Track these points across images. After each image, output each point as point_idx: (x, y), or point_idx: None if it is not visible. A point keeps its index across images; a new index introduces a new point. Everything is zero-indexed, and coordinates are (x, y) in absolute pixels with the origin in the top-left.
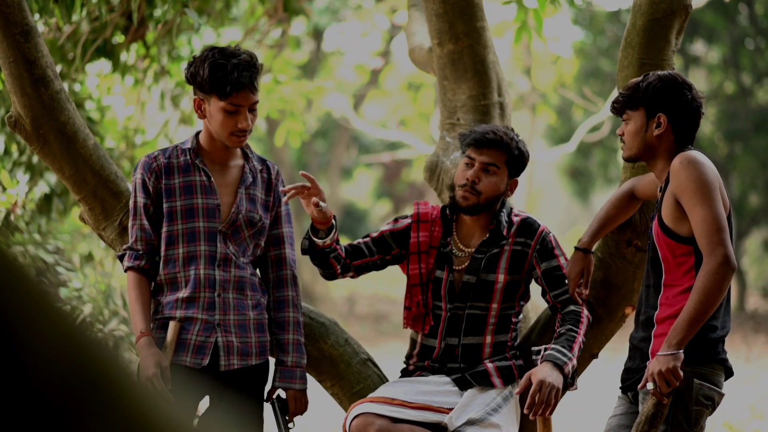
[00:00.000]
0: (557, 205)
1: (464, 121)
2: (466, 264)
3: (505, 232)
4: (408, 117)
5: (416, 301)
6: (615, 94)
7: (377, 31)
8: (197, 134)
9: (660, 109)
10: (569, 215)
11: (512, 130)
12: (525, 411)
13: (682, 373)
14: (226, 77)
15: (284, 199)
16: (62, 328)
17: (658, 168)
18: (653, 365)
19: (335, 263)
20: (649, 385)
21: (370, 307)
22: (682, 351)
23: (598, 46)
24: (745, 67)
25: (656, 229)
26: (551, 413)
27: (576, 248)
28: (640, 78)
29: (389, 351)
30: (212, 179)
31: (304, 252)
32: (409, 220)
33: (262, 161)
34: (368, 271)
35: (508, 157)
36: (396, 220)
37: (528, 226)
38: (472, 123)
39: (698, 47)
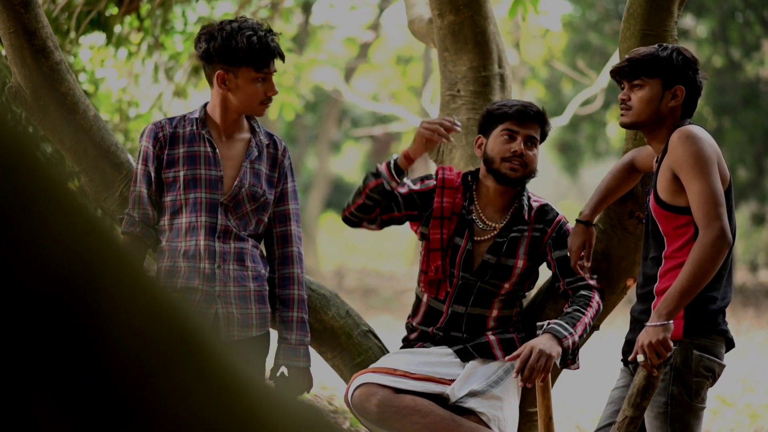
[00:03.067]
0: (546, 179)
1: (465, 93)
2: (487, 238)
3: (526, 216)
4: (397, 91)
5: (435, 266)
6: (610, 65)
7: (366, 5)
8: (205, 105)
9: (679, 82)
10: (558, 189)
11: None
12: (514, 376)
13: (672, 344)
14: (264, 47)
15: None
16: (143, 288)
17: (658, 138)
18: (642, 337)
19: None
20: (640, 357)
21: (359, 281)
22: (671, 322)
23: (587, 20)
24: (734, 40)
25: (653, 203)
26: (543, 380)
27: (577, 221)
28: (652, 47)
29: (379, 325)
30: (217, 150)
31: (372, 191)
32: (434, 182)
33: (270, 136)
34: (391, 224)
35: (542, 131)
36: (422, 180)
37: (545, 213)
38: (472, 95)
39: (687, 21)
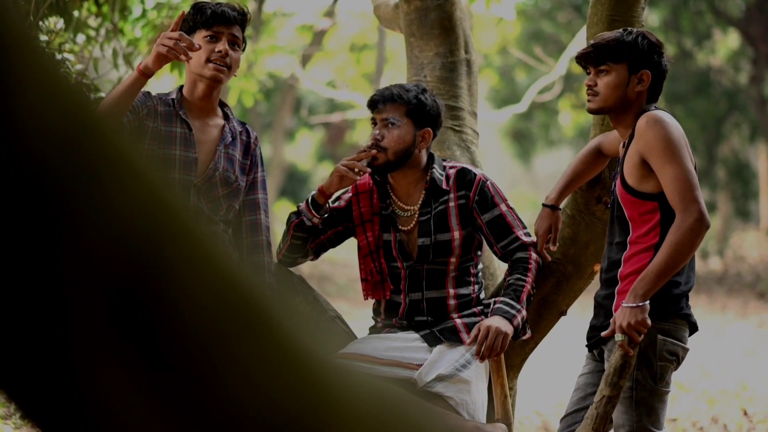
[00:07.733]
0: (498, 167)
1: (431, 78)
2: (413, 224)
3: (444, 185)
4: (352, 78)
5: (369, 269)
6: (566, 53)
7: None
8: (181, 88)
9: (644, 66)
10: (511, 177)
11: (417, 85)
12: (475, 356)
13: (649, 323)
14: (209, 7)
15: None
16: (210, 261)
17: (625, 123)
18: (620, 317)
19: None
20: (618, 337)
21: (313, 268)
22: (648, 303)
23: (540, 8)
24: (686, 29)
25: (619, 189)
26: (498, 355)
27: (543, 204)
28: (617, 32)
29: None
30: (193, 132)
31: (296, 230)
32: (350, 194)
33: (242, 124)
34: (325, 250)
35: (407, 109)
36: (340, 197)
37: (463, 176)
38: (439, 80)
39: None
